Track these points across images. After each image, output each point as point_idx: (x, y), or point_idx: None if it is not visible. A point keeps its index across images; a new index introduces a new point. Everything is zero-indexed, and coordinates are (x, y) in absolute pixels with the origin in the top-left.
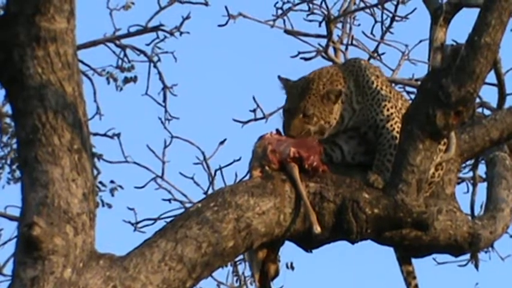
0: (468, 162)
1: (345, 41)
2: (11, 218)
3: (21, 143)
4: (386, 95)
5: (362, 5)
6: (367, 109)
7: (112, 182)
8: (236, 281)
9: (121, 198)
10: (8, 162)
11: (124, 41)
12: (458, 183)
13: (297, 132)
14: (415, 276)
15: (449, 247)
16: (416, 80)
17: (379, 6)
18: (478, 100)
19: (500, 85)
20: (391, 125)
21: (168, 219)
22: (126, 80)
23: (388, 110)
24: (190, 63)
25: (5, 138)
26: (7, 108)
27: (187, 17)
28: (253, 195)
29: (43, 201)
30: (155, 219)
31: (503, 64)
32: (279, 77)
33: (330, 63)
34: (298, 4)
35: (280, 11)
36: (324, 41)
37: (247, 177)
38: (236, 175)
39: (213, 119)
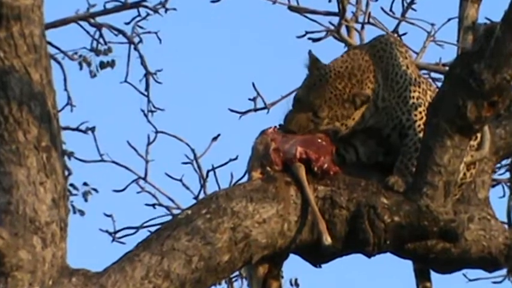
0: (504, 162)
1: (360, 19)
2: None
3: None
4: (415, 90)
5: None
6: (392, 108)
7: (85, 184)
8: None
9: (96, 203)
10: None
11: (99, 19)
12: (493, 186)
13: (298, 129)
14: None
15: (483, 261)
16: (444, 65)
17: None
18: None
19: None
20: (419, 125)
21: (153, 229)
22: (102, 65)
23: (416, 108)
24: (178, 45)
25: None
26: None
27: None
28: (252, 201)
29: (6, 208)
30: (137, 228)
31: None
32: (309, 52)
33: (343, 45)
34: None
35: None
36: (335, 19)
37: (245, 179)
38: (232, 177)
39: (204, 110)
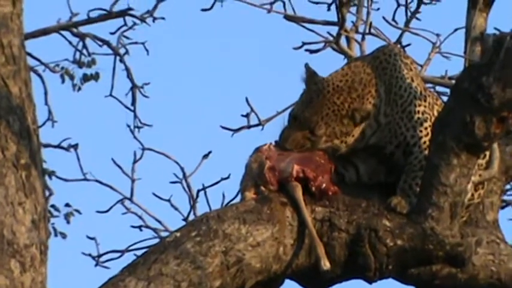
0: None
1: (360, 29)
2: None
3: None
4: (420, 104)
5: None
6: (396, 123)
7: (67, 205)
8: None
9: (79, 225)
10: None
11: (83, 29)
12: (502, 208)
13: (294, 147)
14: None
15: (491, 287)
16: (450, 78)
17: None
18: None
19: None
20: (425, 142)
21: (139, 252)
22: (86, 78)
23: (421, 124)
24: (166, 57)
25: None
26: None
27: None
28: (245, 223)
29: None
30: (122, 252)
31: None
32: (306, 65)
33: (342, 57)
34: None
35: None
36: (334, 29)
37: (237, 199)
38: (224, 197)
39: (195, 127)
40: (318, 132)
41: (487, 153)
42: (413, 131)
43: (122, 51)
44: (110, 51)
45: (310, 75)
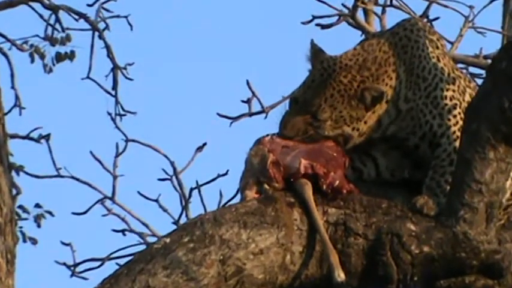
0: None
1: (380, 1)
2: None
3: None
4: (448, 88)
5: None
6: (419, 111)
7: (38, 206)
8: None
9: (51, 229)
10: None
11: (56, 0)
12: None
13: (294, 134)
14: None
15: None
16: (485, 57)
17: None
18: None
19: None
20: (454, 132)
21: (122, 261)
22: (59, 57)
23: (449, 111)
24: (153, 33)
25: None
26: None
27: None
28: (246, 227)
29: None
30: (102, 260)
31: None
32: (312, 41)
33: (359, 33)
34: None
35: None
36: (350, 1)
37: (237, 199)
38: (221, 196)
39: (186, 114)
40: (322, 116)
41: None
42: (440, 119)
43: (101, 26)
44: (88, 26)
45: (316, 53)
